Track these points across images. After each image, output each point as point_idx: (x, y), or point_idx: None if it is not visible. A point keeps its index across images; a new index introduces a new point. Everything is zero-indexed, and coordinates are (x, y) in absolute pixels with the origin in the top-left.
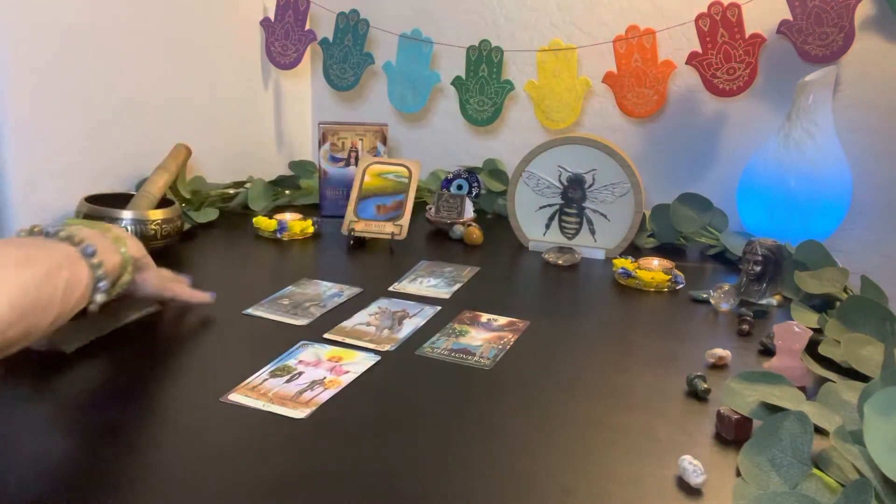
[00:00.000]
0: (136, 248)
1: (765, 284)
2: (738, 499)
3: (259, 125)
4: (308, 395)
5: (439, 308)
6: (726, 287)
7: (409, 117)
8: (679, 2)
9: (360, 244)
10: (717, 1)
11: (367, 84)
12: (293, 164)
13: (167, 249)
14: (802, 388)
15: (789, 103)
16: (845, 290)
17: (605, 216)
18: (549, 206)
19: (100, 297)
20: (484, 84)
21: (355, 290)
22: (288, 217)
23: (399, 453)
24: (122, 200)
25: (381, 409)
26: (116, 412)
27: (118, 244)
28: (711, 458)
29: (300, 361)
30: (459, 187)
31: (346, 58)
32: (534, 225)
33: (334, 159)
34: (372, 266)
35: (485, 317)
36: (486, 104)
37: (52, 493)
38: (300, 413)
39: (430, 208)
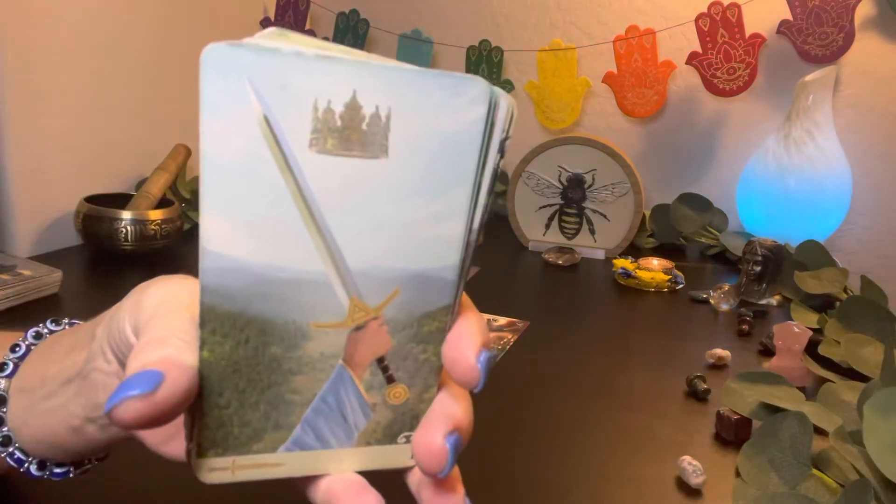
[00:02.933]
0: None
1: (765, 284)
2: (738, 499)
3: None
4: None
5: None
6: (726, 287)
7: None
8: (679, 2)
9: None
10: (717, 1)
11: None
12: None
13: (167, 250)
14: (802, 389)
15: (789, 103)
16: (845, 290)
17: (604, 216)
18: (549, 206)
19: None
20: None
21: None
22: None
23: None
24: (122, 200)
25: None
26: None
27: None
28: (711, 459)
29: None
30: None
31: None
32: (534, 225)
33: None
34: None
35: (484, 317)
36: None
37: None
38: None
39: None
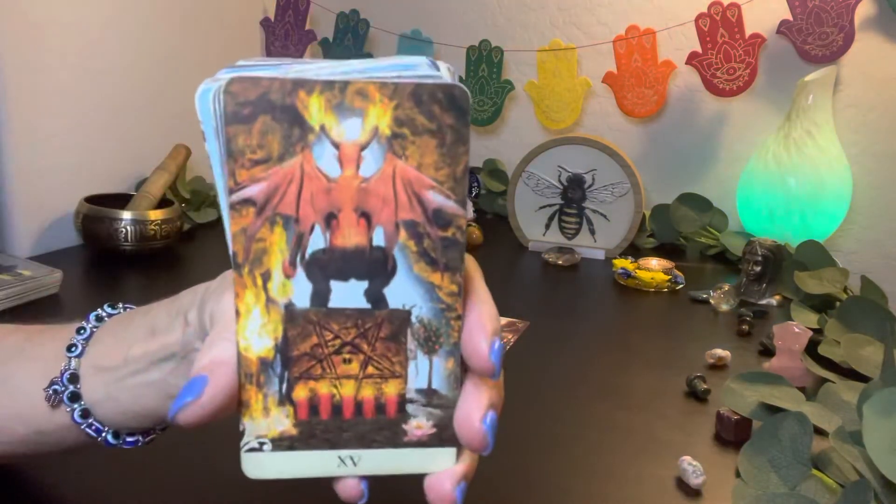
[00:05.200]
0: None
1: (765, 284)
2: (738, 499)
3: None
4: None
5: None
6: (726, 287)
7: None
8: (679, 2)
9: None
10: (717, 1)
11: None
12: None
13: (167, 250)
14: (802, 389)
15: (789, 103)
16: (845, 290)
17: (604, 216)
18: (549, 206)
19: None
20: (484, 84)
21: None
22: None
23: None
24: (121, 200)
25: None
26: None
27: None
28: (711, 459)
29: None
30: None
31: (347, 58)
32: (534, 225)
33: None
34: None
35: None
36: (486, 104)
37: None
38: None
39: None
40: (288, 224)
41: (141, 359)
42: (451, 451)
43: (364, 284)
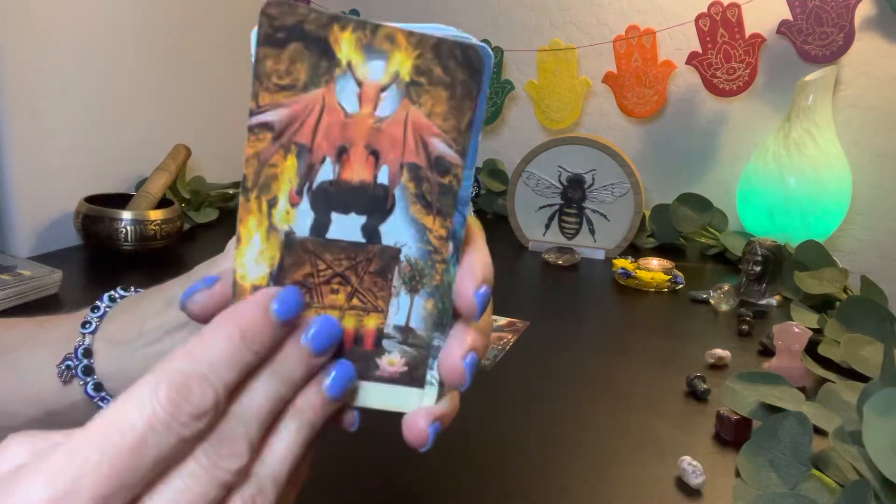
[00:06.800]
0: None
1: (765, 284)
2: (738, 499)
3: None
4: None
5: None
6: (726, 287)
7: None
8: (679, 2)
9: None
10: (717, 1)
11: None
12: None
13: (167, 250)
14: (802, 389)
15: (789, 103)
16: (845, 290)
17: (604, 216)
18: (549, 206)
19: None
20: None
21: None
22: None
23: (397, 454)
24: (122, 200)
25: None
26: None
27: None
28: (711, 459)
29: None
30: None
31: None
32: (534, 225)
33: None
34: None
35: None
36: (487, 104)
37: None
38: None
39: None
40: (301, 153)
41: (156, 330)
42: (419, 391)
43: (362, 219)
